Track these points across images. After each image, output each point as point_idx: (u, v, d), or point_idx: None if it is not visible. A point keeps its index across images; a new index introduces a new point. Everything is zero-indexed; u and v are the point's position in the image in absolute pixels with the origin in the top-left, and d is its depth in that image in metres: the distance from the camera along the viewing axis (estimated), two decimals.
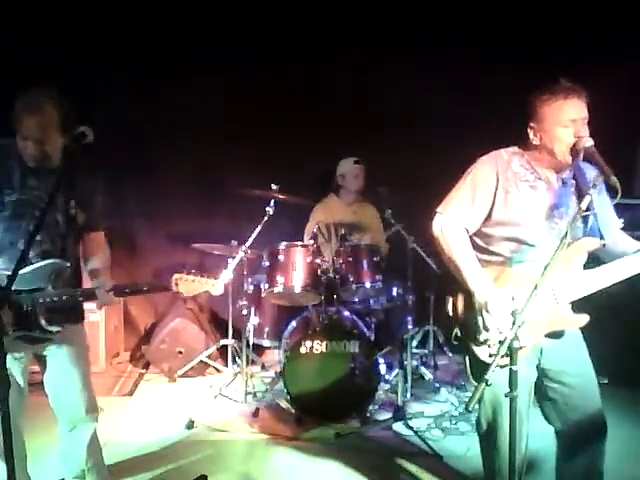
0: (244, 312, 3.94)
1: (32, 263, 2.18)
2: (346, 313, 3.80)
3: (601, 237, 2.14)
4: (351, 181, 4.31)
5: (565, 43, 4.29)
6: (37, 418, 2.34)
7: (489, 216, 2.20)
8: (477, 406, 2.31)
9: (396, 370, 3.90)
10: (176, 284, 2.30)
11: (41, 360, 2.30)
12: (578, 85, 2.13)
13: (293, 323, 3.90)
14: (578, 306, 2.17)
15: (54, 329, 2.18)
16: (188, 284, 2.31)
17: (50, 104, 2.15)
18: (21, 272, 2.11)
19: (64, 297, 2.20)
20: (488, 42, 4.44)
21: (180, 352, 4.24)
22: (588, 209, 1.92)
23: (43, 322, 2.15)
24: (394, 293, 3.95)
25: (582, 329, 2.21)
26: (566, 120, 2.09)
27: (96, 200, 2.36)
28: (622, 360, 3.94)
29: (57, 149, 2.21)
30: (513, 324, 1.70)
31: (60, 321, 2.20)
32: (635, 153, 4.42)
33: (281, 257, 3.74)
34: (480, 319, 2.03)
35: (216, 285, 2.34)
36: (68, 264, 2.25)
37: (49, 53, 4.17)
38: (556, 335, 2.13)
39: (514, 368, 1.71)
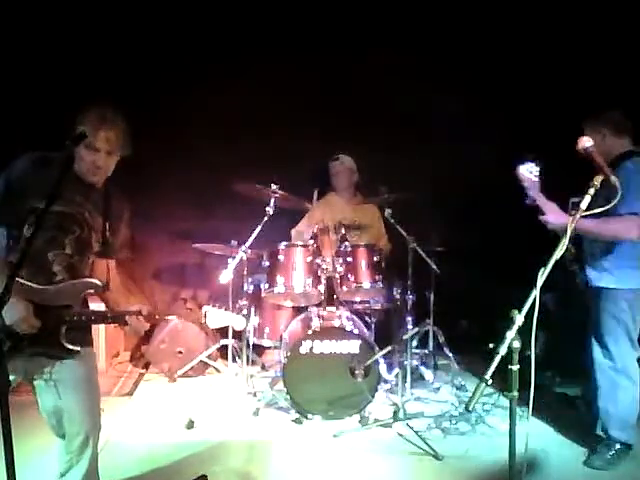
0: (244, 312, 3.93)
1: (56, 275, 2.15)
2: (346, 313, 3.80)
3: None
4: (333, 178, 4.38)
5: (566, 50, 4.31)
6: (36, 418, 2.33)
7: None
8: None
9: (396, 370, 3.91)
10: (204, 315, 2.32)
11: (36, 383, 2.19)
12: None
13: (293, 323, 3.90)
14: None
15: (75, 349, 2.14)
16: (215, 317, 2.34)
17: (122, 121, 2.16)
18: (54, 287, 2.11)
19: (93, 317, 2.18)
20: (489, 43, 4.44)
21: (180, 352, 4.24)
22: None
23: (64, 341, 2.12)
24: (394, 293, 3.95)
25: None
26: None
27: (120, 229, 2.35)
28: None
29: (113, 166, 2.23)
30: (513, 324, 1.70)
31: (81, 341, 2.17)
32: None
33: (281, 257, 3.74)
34: None
35: (240, 321, 2.42)
36: (101, 285, 2.23)
37: (51, 62, 4.19)
38: None
39: (514, 368, 1.71)
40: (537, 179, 2.90)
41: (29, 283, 2.07)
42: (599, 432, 3.05)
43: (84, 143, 2.05)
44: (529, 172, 2.92)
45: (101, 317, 2.23)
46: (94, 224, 2.22)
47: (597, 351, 3.01)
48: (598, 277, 2.97)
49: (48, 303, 2.10)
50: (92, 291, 2.23)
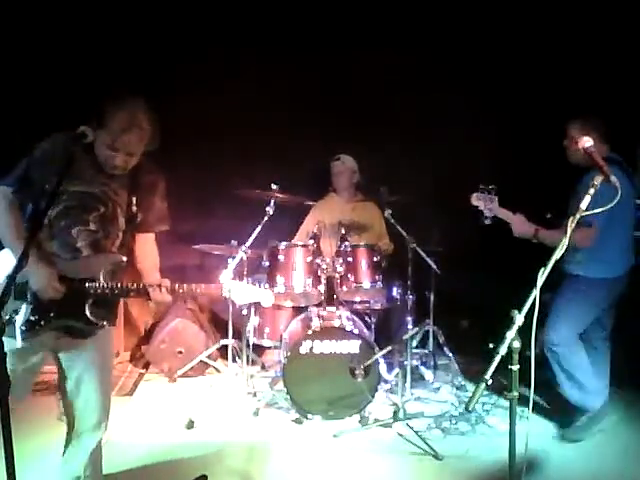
0: (244, 312, 3.94)
1: (81, 251, 2.20)
2: (346, 313, 3.80)
3: None
4: (334, 178, 4.38)
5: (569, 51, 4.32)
6: (36, 418, 2.32)
7: None
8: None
9: (396, 370, 3.91)
10: (229, 290, 2.28)
11: (61, 360, 2.28)
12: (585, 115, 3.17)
13: (293, 323, 3.90)
14: None
15: (99, 322, 2.19)
16: (241, 292, 2.30)
17: (146, 121, 2.18)
18: (76, 260, 2.18)
19: (116, 290, 2.21)
20: (489, 43, 4.45)
21: (180, 352, 4.24)
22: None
23: (89, 313, 2.16)
24: (394, 293, 3.95)
25: None
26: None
27: (154, 202, 2.38)
28: (623, 361, 3.94)
29: (135, 160, 2.25)
30: (513, 324, 1.71)
31: (104, 316, 2.22)
32: (635, 154, 4.43)
33: (281, 257, 3.74)
34: None
35: (269, 296, 2.35)
36: (125, 259, 2.28)
37: (49, 60, 4.19)
38: None
39: (514, 368, 1.71)
40: (492, 203, 3.22)
41: (51, 253, 2.14)
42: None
43: (106, 141, 2.10)
44: (483, 198, 3.22)
45: (124, 290, 2.24)
46: (118, 200, 2.25)
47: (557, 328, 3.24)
48: (568, 267, 3.22)
49: (71, 276, 2.15)
50: (118, 266, 2.26)
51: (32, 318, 2.09)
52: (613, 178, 2.00)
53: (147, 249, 2.43)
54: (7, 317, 2.05)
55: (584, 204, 1.92)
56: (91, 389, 2.27)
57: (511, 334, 1.69)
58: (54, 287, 2.09)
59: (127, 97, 2.19)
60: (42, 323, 2.11)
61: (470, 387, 4.01)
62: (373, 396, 3.51)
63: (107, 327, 2.26)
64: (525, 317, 1.73)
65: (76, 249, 2.19)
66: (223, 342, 4.26)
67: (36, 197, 2.16)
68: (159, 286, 2.23)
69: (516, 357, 1.70)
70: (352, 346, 3.51)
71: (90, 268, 2.19)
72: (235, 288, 2.29)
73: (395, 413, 3.46)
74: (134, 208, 2.28)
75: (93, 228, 2.20)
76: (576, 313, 3.26)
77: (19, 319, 2.08)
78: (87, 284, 2.17)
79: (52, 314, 2.12)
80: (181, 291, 2.29)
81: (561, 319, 3.25)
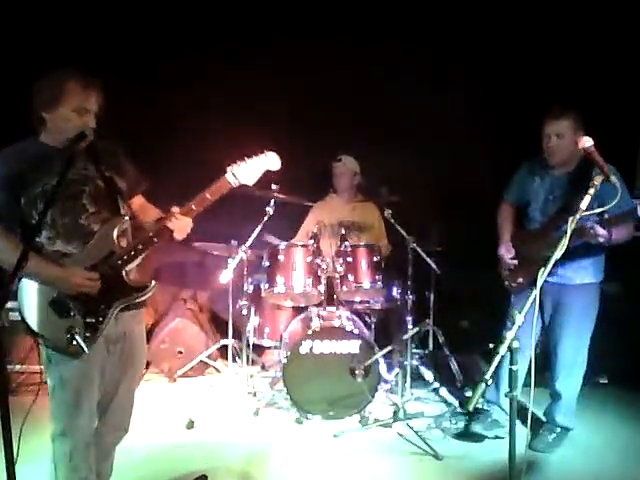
0: (244, 312, 3.94)
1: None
2: (346, 313, 3.80)
3: None
4: (335, 179, 4.38)
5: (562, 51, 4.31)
6: (36, 418, 2.32)
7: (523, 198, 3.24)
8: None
9: (396, 370, 3.91)
10: (234, 175, 2.29)
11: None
12: (569, 109, 2.94)
13: (293, 323, 3.90)
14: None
15: (147, 284, 2.19)
16: (247, 172, 2.32)
17: (97, 79, 2.16)
18: (86, 247, 2.15)
19: (139, 246, 2.19)
20: (489, 43, 4.45)
21: (180, 352, 4.24)
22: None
23: (132, 283, 2.17)
24: (394, 293, 3.95)
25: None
26: (544, 134, 3.00)
27: (124, 167, 2.35)
28: (622, 360, 3.94)
29: None
30: (513, 324, 1.71)
31: (146, 276, 2.24)
32: (636, 153, 4.43)
33: (281, 257, 3.74)
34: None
35: (274, 158, 2.40)
36: (127, 217, 2.25)
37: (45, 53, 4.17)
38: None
39: (514, 368, 1.72)
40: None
41: (63, 253, 2.12)
42: (544, 417, 3.27)
43: (74, 108, 2.08)
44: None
45: (146, 242, 2.22)
46: (92, 174, 2.22)
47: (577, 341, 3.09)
48: (573, 276, 3.01)
49: (93, 261, 2.13)
50: (125, 227, 2.25)
51: (90, 321, 2.08)
52: (613, 178, 2.01)
53: (143, 208, 2.44)
54: (68, 336, 2.03)
55: (584, 204, 1.92)
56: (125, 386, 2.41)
57: (511, 334, 1.69)
58: (88, 277, 2.08)
59: (66, 67, 2.15)
60: (101, 319, 2.10)
61: (470, 387, 4.01)
62: (373, 396, 3.51)
63: (154, 289, 2.24)
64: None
65: (95, 234, 2.18)
66: (223, 342, 4.27)
67: (19, 214, 2.11)
68: (172, 214, 2.23)
69: (516, 357, 1.71)
70: (352, 346, 3.52)
71: (102, 244, 2.16)
72: (239, 172, 2.29)
73: (395, 413, 3.46)
74: (107, 174, 2.25)
75: (93, 209, 2.18)
76: (590, 329, 3.07)
77: (79, 331, 2.05)
78: (110, 259, 2.15)
79: (103, 306, 2.11)
80: (194, 207, 2.28)
81: (583, 342, 3.08)
